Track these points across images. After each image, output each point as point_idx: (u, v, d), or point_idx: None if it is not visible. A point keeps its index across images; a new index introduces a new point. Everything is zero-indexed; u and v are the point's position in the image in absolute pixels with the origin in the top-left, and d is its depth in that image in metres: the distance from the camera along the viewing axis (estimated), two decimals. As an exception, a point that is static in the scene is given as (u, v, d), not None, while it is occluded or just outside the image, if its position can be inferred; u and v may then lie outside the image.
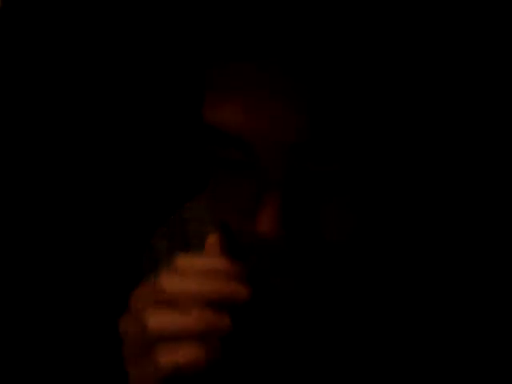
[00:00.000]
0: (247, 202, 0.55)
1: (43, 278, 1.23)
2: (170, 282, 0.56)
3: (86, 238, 1.21)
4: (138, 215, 1.19)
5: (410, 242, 0.64)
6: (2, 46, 1.13)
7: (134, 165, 1.21)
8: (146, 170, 1.21)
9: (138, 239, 0.97)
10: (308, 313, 0.61)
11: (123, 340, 0.59)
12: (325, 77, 0.51)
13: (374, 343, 0.64)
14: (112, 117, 1.21)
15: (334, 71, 0.51)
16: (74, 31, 1.15)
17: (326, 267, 0.57)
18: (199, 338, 0.55)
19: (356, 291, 0.63)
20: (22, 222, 1.22)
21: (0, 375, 1.22)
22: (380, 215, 0.57)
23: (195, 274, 0.56)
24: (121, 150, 1.21)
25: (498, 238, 0.64)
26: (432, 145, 0.61)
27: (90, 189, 1.21)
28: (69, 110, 1.20)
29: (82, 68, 1.19)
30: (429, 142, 0.60)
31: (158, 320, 0.55)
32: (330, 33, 0.50)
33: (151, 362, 0.56)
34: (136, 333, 0.57)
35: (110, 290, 1.21)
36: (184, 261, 0.58)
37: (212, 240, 0.59)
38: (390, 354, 0.64)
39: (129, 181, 1.20)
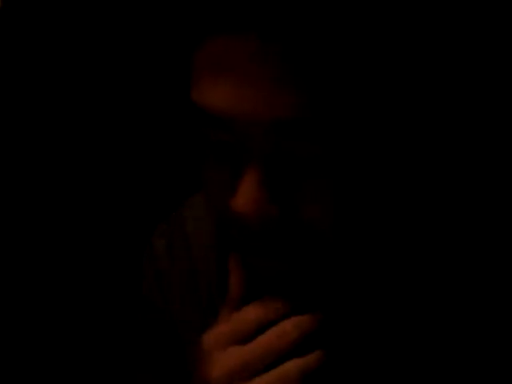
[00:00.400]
0: (233, 180, 0.55)
1: (41, 274, 1.23)
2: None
3: (85, 237, 1.21)
4: (136, 213, 1.19)
5: (395, 231, 0.63)
6: (2, 46, 1.13)
7: (132, 162, 1.21)
8: (144, 168, 1.21)
9: (138, 237, 0.97)
10: (293, 295, 0.60)
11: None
12: (309, 57, 0.50)
13: (359, 329, 0.64)
14: (110, 114, 1.21)
15: (318, 51, 0.50)
16: (73, 29, 1.15)
17: (307, 251, 0.56)
18: None
19: (341, 276, 0.62)
20: (19, 219, 1.22)
21: (0, 375, 1.22)
22: (362, 202, 0.57)
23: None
24: (119, 147, 1.21)
25: (479, 225, 0.64)
26: (418, 135, 0.61)
27: (88, 187, 1.21)
28: (65, 106, 1.20)
29: (80, 65, 1.19)
30: (414, 132, 0.60)
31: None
32: (312, 9, 0.49)
33: None
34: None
35: (109, 288, 1.21)
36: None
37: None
38: (378, 343, 0.64)
39: (127, 178, 1.20)
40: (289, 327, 0.57)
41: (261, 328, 0.58)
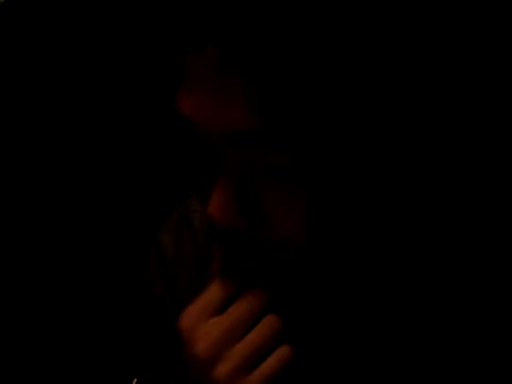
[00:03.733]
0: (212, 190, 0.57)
1: (45, 270, 1.23)
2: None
3: (90, 235, 1.21)
4: (141, 209, 1.19)
5: (372, 239, 0.64)
6: (2, 44, 1.13)
7: (136, 160, 1.21)
8: (149, 166, 1.21)
9: (143, 233, 0.97)
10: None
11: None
12: (266, 71, 0.52)
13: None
14: (110, 111, 1.21)
15: (275, 66, 0.51)
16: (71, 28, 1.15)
17: (278, 259, 0.58)
18: None
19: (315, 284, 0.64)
20: (25, 217, 1.22)
21: (0, 375, 1.22)
22: (335, 212, 0.58)
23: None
24: (123, 144, 1.21)
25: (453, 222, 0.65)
26: (389, 141, 0.61)
27: (92, 185, 1.21)
28: (67, 106, 1.20)
29: (79, 65, 1.19)
30: (384, 138, 0.60)
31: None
32: (266, 26, 0.51)
33: None
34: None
35: (115, 286, 1.21)
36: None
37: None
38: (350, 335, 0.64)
39: (132, 174, 1.20)
40: (258, 292, 0.60)
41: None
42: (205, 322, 0.59)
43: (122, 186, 1.21)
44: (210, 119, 0.54)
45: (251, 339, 0.58)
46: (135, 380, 0.77)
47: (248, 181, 0.55)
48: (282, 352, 0.59)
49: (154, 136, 1.20)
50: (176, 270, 0.76)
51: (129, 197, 1.21)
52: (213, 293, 0.61)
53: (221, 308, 0.60)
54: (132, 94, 1.19)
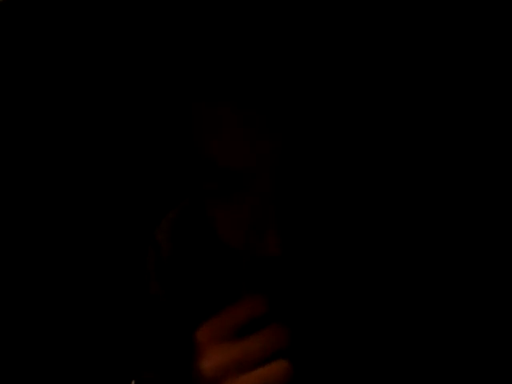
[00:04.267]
0: (245, 221, 0.59)
1: (42, 270, 1.23)
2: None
3: (87, 234, 1.21)
4: (139, 208, 1.19)
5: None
6: (1, 42, 1.13)
7: (134, 158, 1.21)
8: (146, 163, 1.21)
9: (141, 233, 0.97)
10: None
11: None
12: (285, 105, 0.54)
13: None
14: (108, 110, 1.21)
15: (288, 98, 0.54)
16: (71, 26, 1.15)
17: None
18: None
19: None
20: (24, 217, 1.22)
21: (0, 375, 1.23)
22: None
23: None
24: (122, 144, 1.21)
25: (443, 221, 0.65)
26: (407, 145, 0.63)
27: (90, 183, 1.21)
28: (65, 105, 1.21)
29: (80, 65, 1.19)
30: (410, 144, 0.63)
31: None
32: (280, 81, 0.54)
33: None
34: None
35: (113, 285, 1.21)
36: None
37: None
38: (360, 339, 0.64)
39: (129, 173, 1.21)
40: (280, 329, 0.59)
41: (254, 325, 0.60)
42: (220, 341, 0.59)
43: (120, 185, 1.21)
44: (256, 162, 0.56)
45: (256, 376, 0.58)
46: (133, 381, 0.77)
47: (288, 208, 0.57)
48: None
49: (152, 135, 1.20)
50: (173, 270, 0.76)
51: (126, 196, 1.21)
52: (237, 313, 0.60)
53: (240, 330, 0.60)
54: (131, 94, 1.19)
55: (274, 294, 0.61)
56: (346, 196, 0.58)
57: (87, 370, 1.24)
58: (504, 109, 0.70)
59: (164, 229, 0.79)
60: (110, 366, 1.23)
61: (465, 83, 0.69)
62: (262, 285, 0.61)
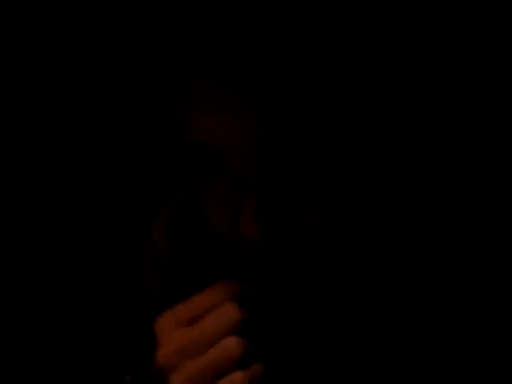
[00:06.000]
0: (228, 204, 0.59)
1: (39, 268, 1.23)
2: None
3: (83, 232, 1.21)
4: (134, 205, 1.19)
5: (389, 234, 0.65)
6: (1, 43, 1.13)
7: (129, 155, 1.21)
8: (141, 160, 1.21)
9: (136, 230, 0.97)
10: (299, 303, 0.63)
11: None
12: (275, 87, 0.54)
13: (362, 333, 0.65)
14: (101, 109, 1.21)
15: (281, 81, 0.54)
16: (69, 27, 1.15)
17: (310, 253, 0.60)
18: None
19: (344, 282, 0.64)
20: (13, 214, 1.22)
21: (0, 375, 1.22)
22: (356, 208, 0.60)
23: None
24: (118, 142, 1.21)
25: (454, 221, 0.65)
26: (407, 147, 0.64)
27: (85, 181, 1.21)
28: (62, 104, 1.20)
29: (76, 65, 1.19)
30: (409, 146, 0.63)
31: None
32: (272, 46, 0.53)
33: None
34: None
35: (109, 281, 1.21)
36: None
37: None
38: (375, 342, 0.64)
39: (124, 170, 1.20)
40: (231, 307, 0.60)
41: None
42: (176, 329, 0.60)
43: (115, 182, 1.21)
44: (239, 142, 0.56)
45: (208, 356, 0.59)
46: (128, 377, 0.77)
47: (270, 191, 0.57)
48: (234, 378, 0.59)
49: (145, 132, 1.20)
50: (169, 269, 0.76)
51: (122, 193, 1.21)
52: (198, 301, 0.61)
53: (197, 317, 0.61)
54: (127, 93, 1.19)
55: (254, 280, 0.61)
56: (328, 185, 0.58)
57: (83, 364, 1.24)
58: (504, 109, 0.70)
59: (159, 227, 0.79)
60: (106, 361, 1.23)
61: (465, 83, 0.69)
62: (243, 271, 0.61)
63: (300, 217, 0.58)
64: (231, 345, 0.59)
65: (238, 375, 0.59)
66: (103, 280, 1.21)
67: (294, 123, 0.55)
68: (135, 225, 1.15)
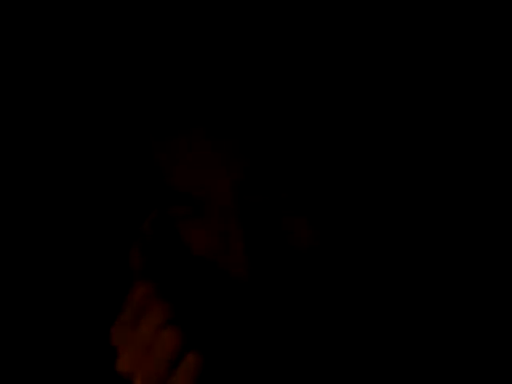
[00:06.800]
0: (215, 239, 0.61)
1: (37, 267, 1.23)
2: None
3: (77, 231, 1.21)
4: (127, 202, 1.19)
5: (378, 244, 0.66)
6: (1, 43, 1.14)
7: (123, 154, 1.22)
8: (134, 159, 1.21)
9: (127, 227, 0.98)
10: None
11: None
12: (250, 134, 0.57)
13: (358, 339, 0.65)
14: (98, 108, 1.21)
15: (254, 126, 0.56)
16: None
17: (299, 273, 0.61)
18: None
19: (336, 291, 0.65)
20: (9, 214, 1.22)
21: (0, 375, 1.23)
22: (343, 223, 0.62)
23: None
24: (113, 143, 1.22)
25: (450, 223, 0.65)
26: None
27: (80, 179, 1.22)
28: (60, 103, 1.21)
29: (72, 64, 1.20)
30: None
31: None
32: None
33: None
34: None
35: (103, 280, 1.21)
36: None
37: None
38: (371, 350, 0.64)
39: (118, 168, 1.21)
40: (161, 304, 0.62)
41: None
42: (126, 335, 0.62)
43: (110, 180, 1.21)
44: (219, 187, 0.59)
45: (156, 353, 0.60)
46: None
47: (254, 225, 0.60)
48: (188, 360, 0.60)
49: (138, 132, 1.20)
50: (157, 264, 0.76)
51: (115, 190, 1.21)
52: (131, 305, 0.64)
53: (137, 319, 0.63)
54: (124, 92, 1.20)
55: (242, 312, 0.62)
56: (307, 222, 0.60)
57: (83, 364, 1.24)
58: (504, 109, 0.70)
59: (148, 222, 0.79)
60: (106, 361, 1.23)
61: (465, 83, 0.69)
62: (232, 304, 0.63)
63: (287, 233, 0.60)
64: (168, 335, 0.60)
65: (189, 357, 0.60)
66: (97, 281, 1.21)
67: (272, 166, 0.57)
68: (127, 222, 1.15)
